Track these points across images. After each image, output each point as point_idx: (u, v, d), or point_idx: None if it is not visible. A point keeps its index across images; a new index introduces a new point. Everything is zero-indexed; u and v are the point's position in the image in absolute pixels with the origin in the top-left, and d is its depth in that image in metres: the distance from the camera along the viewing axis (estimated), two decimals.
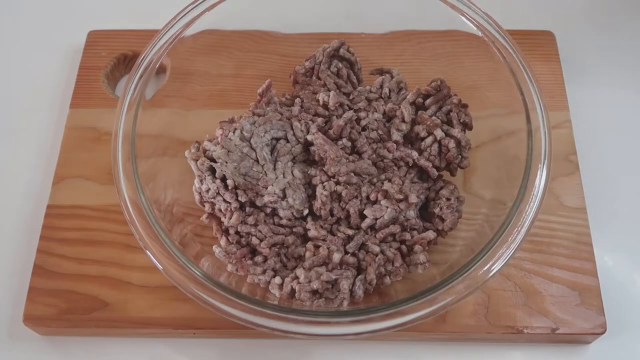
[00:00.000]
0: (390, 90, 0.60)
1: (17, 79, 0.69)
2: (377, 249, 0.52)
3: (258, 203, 0.54)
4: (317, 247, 0.53)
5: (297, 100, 0.59)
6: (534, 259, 0.55)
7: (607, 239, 0.58)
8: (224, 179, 0.54)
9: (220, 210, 0.54)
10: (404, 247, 0.53)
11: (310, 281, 0.49)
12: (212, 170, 0.54)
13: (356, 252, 0.52)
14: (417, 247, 0.53)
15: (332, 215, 0.54)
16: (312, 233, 0.53)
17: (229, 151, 0.55)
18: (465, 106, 0.57)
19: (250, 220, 0.54)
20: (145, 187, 0.50)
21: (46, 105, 0.66)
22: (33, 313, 0.53)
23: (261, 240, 0.53)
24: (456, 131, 0.56)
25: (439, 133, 0.55)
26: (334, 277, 0.49)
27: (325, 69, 0.60)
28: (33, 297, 0.54)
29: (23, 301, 0.54)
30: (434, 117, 0.56)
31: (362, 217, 0.53)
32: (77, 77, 0.65)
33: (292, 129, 0.56)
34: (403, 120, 0.57)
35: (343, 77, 0.61)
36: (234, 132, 0.56)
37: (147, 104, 0.53)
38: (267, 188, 0.54)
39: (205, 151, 0.56)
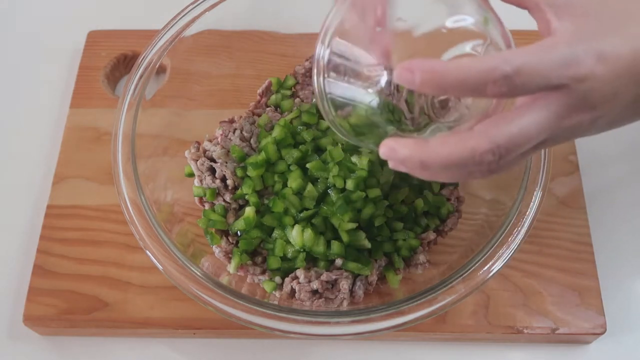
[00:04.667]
0: None
1: (17, 79, 0.69)
2: None
3: None
4: None
5: (297, 100, 0.59)
6: (534, 259, 0.55)
7: (607, 239, 0.57)
8: (224, 179, 0.54)
9: None
10: None
11: (310, 281, 0.49)
12: (212, 170, 0.54)
13: None
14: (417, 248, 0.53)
15: None
16: None
17: (228, 151, 0.55)
18: None
19: None
20: (145, 187, 0.50)
21: (46, 105, 0.66)
22: (33, 313, 0.53)
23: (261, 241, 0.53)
24: None
25: None
26: (334, 277, 0.49)
27: None
28: (33, 297, 0.54)
29: (23, 301, 0.54)
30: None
31: None
32: (77, 77, 0.65)
33: None
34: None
35: None
36: (234, 132, 0.56)
37: (147, 104, 0.53)
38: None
39: (205, 151, 0.56)
